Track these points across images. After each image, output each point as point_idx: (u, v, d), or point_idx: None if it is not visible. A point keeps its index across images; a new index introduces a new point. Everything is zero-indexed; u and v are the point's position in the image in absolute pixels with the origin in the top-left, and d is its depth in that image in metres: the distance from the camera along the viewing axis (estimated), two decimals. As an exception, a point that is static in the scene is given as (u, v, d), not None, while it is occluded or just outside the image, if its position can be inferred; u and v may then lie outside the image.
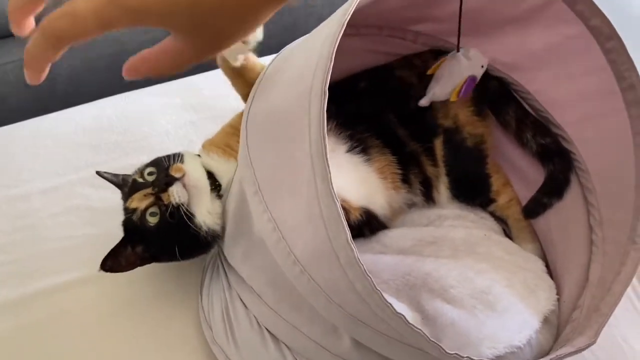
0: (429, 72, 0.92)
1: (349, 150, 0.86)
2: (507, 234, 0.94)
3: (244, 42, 0.71)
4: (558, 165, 0.88)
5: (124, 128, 1.17)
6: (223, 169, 0.82)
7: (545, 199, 0.89)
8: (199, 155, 0.87)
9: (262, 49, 1.40)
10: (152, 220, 0.78)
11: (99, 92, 1.33)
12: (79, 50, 1.57)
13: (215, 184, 0.82)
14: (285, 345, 0.75)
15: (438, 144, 0.92)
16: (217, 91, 1.24)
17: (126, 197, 0.82)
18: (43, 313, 0.90)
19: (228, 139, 0.85)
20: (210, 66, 1.37)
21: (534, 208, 0.90)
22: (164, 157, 0.83)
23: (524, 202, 0.93)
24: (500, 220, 0.95)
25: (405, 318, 0.56)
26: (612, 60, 0.76)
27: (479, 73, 0.90)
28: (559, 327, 0.78)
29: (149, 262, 0.84)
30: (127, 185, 0.84)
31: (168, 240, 0.79)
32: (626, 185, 0.76)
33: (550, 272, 0.85)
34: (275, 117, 0.67)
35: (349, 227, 0.82)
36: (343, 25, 0.57)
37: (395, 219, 0.92)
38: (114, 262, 0.80)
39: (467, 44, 0.93)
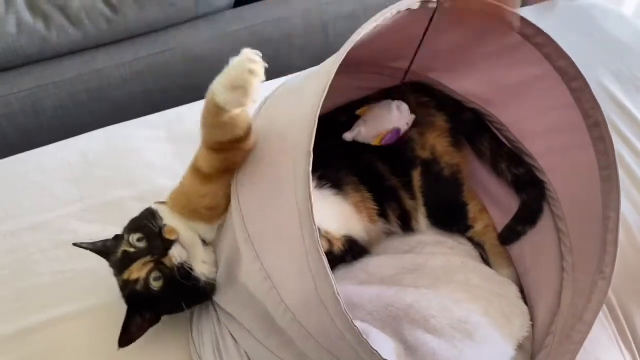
0: (358, 112, 0.97)
1: (317, 187, 0.89)
2: (485, 259, 0.98)
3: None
4: (531, 194, 0.93)
5: (110, 162, 1.18)
6: (198, 229, 0.84)
7: (520, 227, 0.93)
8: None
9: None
10: (157, 285, 0.79)
11: (84, 124, 1.35)
12: (64, 83, 1.57)
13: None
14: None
15: (416, 175, 0.96)
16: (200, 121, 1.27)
17: (120, 270, 0.82)
18: (35, 348, 0.91)
19: (191, 203, 0.82)
20: (196, 97, 1.39)
21: (509, 236, 0.94)
22: (141, 218, 0.84)
23: (499, 228, 0.97)
24: (478, 245, 0.99)
25: None
26: (578, 99, 0.81)
27: (403, 128, 0.96)
28: (532, 353, 0.82)
29: (156, 323, 0.85)
30: (114, 253, 0.84)
31: (174, 298, 0.81)
32: (594, 216, 0.80)
33: (524, 297, 0.89)
34: (263, 170, 0.71)
35: (334, 257, 0.86)
36: (326, 87, 0.61)
37: (375, 245, 0.95)
38: (129, 336, 0.83)
39: (444, 78, 0.98)
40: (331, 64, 0.64)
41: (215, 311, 0.85)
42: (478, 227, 0.97)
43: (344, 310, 0.58)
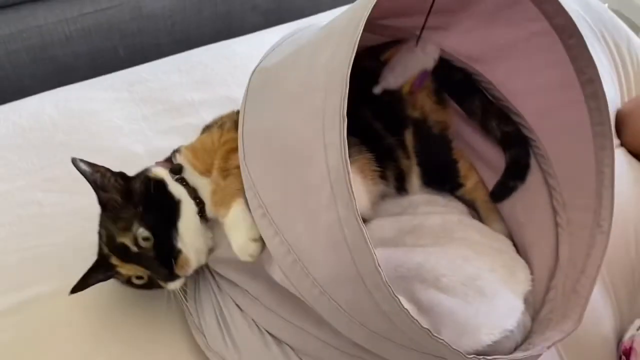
0: (384, 57, 0.94)
1: None
2: (474, 216, 0.99)
3: None
4: (519, 151, 0.94)
5: (70, 126, 1.08)
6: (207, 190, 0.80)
7: (511, 182, 0.94)
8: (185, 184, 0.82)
9: (195, 39, 1.32)
10: (138, 282, 0.79)
11: (24, 88, 1.23)
12: (0, 40, 1.40)
13: (197, 202, 0.80)
14: (289, 345, 0.75)
15: (409, 135, 0.95)
16: (165, 82, 1.19)
17: (112, 252, 0.78)
18: (6, 336, 0.83)
19: (209, 156, 0.82)
20: (148, 57, 1.29)
21: (500, 192, 0.95)
22: (161, 206, 0.79)
23: (487, 185, 0.98)
24: (468, 203, 0.99)
25: (430, 332, 0.59)
26: (573, 56, 0.81)
27: (431, 67, 0.94)
28: (534, 306, 0.84)
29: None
30: (112, 208, 0.79)
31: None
32: (586, 171, 0.82)
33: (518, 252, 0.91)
34: (279, 138, 0.67)
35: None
36: (354, 45, 0.57)
37: (372, 209, 0.93)
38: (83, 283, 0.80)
39: (433, 35, 0.96)
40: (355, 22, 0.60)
41: (214, 279, 0.81)
42: (469, 184, 0.98)
43: (385, 282, 0.56)
